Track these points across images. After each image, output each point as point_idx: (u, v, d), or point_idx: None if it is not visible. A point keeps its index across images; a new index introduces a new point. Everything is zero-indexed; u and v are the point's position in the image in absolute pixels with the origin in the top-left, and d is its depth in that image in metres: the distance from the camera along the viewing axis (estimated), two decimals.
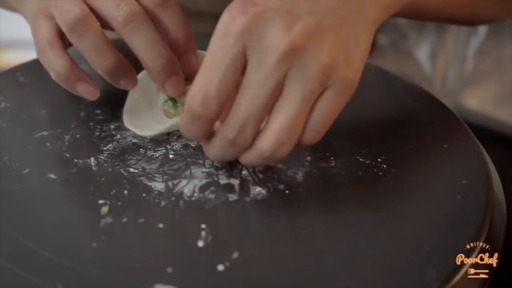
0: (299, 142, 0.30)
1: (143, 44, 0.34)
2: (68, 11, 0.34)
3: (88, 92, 0.37)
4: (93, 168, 0.35)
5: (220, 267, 0.27)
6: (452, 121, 0.41)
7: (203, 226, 0.30)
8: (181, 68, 0.37)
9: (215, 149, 0.31)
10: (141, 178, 0.34)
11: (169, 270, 0.27)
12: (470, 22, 0.53)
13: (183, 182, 0.33)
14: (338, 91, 0.30)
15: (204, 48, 0.37)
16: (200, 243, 0.29)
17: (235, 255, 0.28)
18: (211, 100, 0.29)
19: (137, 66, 0.36)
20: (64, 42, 0.36)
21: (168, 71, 0.35)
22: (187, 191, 0.33)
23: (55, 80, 0.37)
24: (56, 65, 0.36)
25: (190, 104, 0.29)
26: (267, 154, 0.30)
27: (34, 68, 0.47)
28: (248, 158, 0.31)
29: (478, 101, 0.87)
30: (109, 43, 0.35)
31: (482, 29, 0.89)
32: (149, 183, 0.33)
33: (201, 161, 0.35)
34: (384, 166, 0.35)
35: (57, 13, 0.35)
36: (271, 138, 0.29)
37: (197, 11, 0.62)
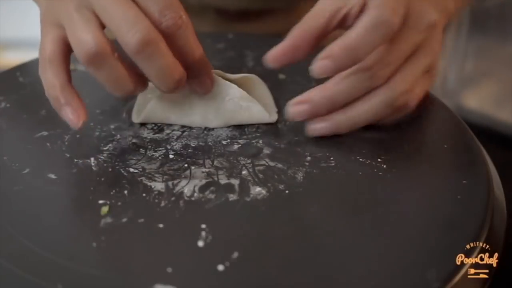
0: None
1: (155, 72, 0.33)
2: (83, 43, 0.32)
3: (70, 120, 0.35)
4: (93, 168, 0.35)
5: (220, 267, 0.27)
6: (452, 121, 0.41)
7: (203, 226, 0.30)
8: (196, 90, 0.37)
9: (347, 81, 0.35)
10: (141, 178, 0.34)
11: (169, 270, 0.27)
12: None
13: (183, 182, 0.33)
14: None
15: (205, 47, 0.37)
16: (200, 243, 0.29)
17: (235, 255, 0.28)
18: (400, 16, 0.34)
19: None
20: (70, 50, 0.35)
21: (180, 89, 0.35)
22: (187, 191, 0.33)
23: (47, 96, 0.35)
24: (49, 82, 0.35)
25: (384, 13, 0.33)
26: (396, 97, 0.35)
27: (34, 68, 0.46)
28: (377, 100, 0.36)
29: (478, 101, 0.87)
30: (127, 71, 0.33)
31: (482, 29, 0.89)
32: (149, 183, 0.33)
33: (201, 161, 0.35)
34: (384, 166, 0.35)
35: (71, 38, 0.33)
36: (406, 85, 0.36)
37: (198, 4, 0.62)
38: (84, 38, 0.32)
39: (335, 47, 0.34)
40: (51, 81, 0.35)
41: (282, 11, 0.63)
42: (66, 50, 0.35)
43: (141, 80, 0.35)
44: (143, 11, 0.32)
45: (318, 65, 0.35)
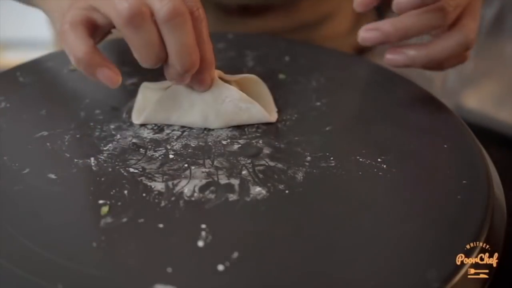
0: None
1: (178, 47, 0.34)
2: (123, 4, 0.32)
3: (110, 78, 0.35)
4: (93, 168, 0.35)
5: (220, 267, 0.27)
6: (452, 121, 0.41)
7: (203, 226, 0.30)
8: (195, 86, 0.38)
9: (420, 18, 0.39)
10: (141, 178, 0.34)
11: (169, 270, 0.27)
12: None
13: (183, 182, 0.33)
14: None
15: None
16: (200, 243, 0.29)
17: (235, 255, 0.28)
18: None
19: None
20: (94, 38, 0.36)
21: (188, 76, 0.36)
22: (187, 191, 0.33)
23: (75, 65, 0.35)
24: (76, 49, 0.35)
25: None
26: (471, 40, 0.40)
27: (34, 68, 0.47)
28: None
29: (478, 101, 0.87)
30: (162, 41, 0.34)
31: (482, 29, 0.88)
32: (149, 183, 0.33)
33: (201, 161, 0.35)
34: (384, 166, 0.35)
35: (108, 7, 0.34)
36: (475, 30, 0.41)
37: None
38: (123, 1, 0.32)
39: (387, 25, 0.39)
40: (77, 47, 0.35)
41: (283, 7, 0.63)
42: (88, 24, 0.36)
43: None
44: None
45: (368, 34, 0.40)
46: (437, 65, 0.42)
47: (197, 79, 0.37)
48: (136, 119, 0.40)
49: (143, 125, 0.39)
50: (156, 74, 0.45)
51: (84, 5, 0.36)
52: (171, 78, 0.36)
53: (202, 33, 0.35)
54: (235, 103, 0.39)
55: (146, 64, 0.35)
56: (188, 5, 0.34)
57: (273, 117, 0.40)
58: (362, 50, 0.72)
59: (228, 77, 0.40)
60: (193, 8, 0.35)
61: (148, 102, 0.40)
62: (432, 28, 0.40)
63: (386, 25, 0.39)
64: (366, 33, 0.40)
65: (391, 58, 0.41)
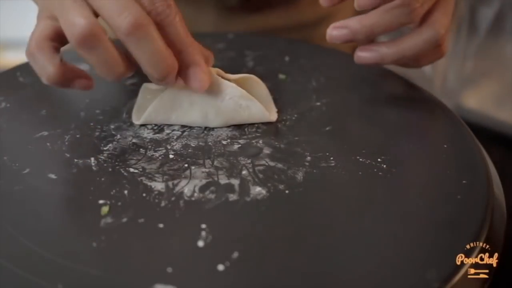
0: None
1: (147, 57, 0.33)
2: (76, 25, 0.32)
3: (84, 87, 0.36)
4: (93, 168, 0.35)
5: (220, 267, 0.27)
6: (452, 121, 0.41)
7: (203, 226, 0.30)
8: (191, 84, 0.37)
9: (386, 15, 0.38)
10: (141, 178, 0.34)
11: (169, 270, 0.27)
12: None
13: (183, 182, 0.33)
14: None
15: (205, 47, 0.37)
16: (200, 243, 0.29)
17: (235, 255, 0.28)
18: None
19: None
20: (63, 41, 0.36)
21: (172, 79, 0.35)
22: (187, 191, 0.33)
23: (47, 83, 0.36)
24: (46, 71, 0.35)
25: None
26: (440, 36, 0.40)
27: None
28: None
29: (478, 101, 0.87)
30: (119, 55, 0.34)
31: (482, 29, 0.89)
32: (149, 183, 0.33)
33: (201, 161, 0.35)
34: (384, 166, 0.35)
35: (64, 24, 0.33)
36: (445, 26, 0.40)
37: None
38: (77, 20, 0.32)
39: (353, 22, 0.39)
40: (46, 68, 0.35)
41: (283, 4, 0.64)
42: (56, 38, 0.35)
43: (131, 63, 0.35)
44: None
45: (336, 31, 0.39)
46: (413, 61, 0.42)
47: (190, 76, 0.36)
48: (136, 119, 0.40)
49: (143, 125, 0.39)
50: None
51: (51, 15, 0.35)
52: (157, 84, 0.36)
53: (177, 32, 0.34)
54: (235, 100, 0.39)
55: (110, 80, 0.35)
56: (156, 6, 0.33)
57: (273, 116, 0.40)
58: None
59: (228, 76, 0.40)
60: (163, 7, 0.33)
61: (148, 103, 0.40)
62: (400, 25, 0.39)
63: (352, 22, 0.39)
64: (334, 31, 0.40)
65: (361, 55, 0.41)
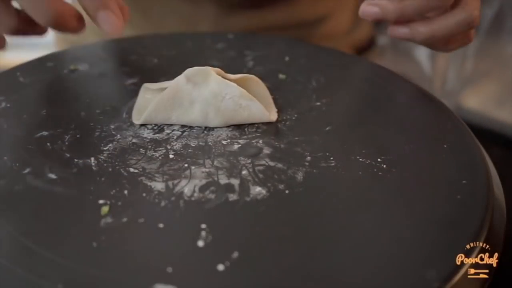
0: None
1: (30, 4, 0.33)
2: None
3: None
4: (93, 168, 0.35)
5: (220, 267, 0.27)
6: (452, 121, 0.41)
7: (203, 226, 0.30)
8: (100, 27, 0.36)
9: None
10: (141, 178, 0.34)
11: (169, 270, 0.27)
12: None
13: (183, 182, 0.33)
14: None
15: (205, 47, 0.37)
16: (200, 243, 0.29)
17: (235, 255, 0.28)
18: None
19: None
20: None
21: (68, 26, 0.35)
22: (187, 191, 0.33)
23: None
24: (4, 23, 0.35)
25: None
26: (474, 18, 0.40)
27: (34, 68, 0.47)
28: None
29: (478, 101, 0.87)
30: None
31: (482, 29, 0.89)
32: (149, 183, 0.33)
33: (201, 161, 0.35)
34: (384, 166, 0.35)
35: None
36: (477, 8, 0.40)
37: None
38: None
39: (386, 2, 0.40)
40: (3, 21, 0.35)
41: (283, 1, 0.64)
42: None
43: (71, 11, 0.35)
44: None
45: (368, 8, 0.41)
46: (442, 44, 0.43)
47: (100, 20, 0.36)
48: (136, 119, 0.40)
49: (143, 125, 0.39)
50: (157, 75, 0.46)
51: None
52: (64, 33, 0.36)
53: None
54: (235, 100, 0.39)
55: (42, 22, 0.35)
56: None
57: (273, 116, 0.40)
58: (362, 50, 0.72)
59: (228, 76, 0.40)
60: None
61: (148, 102, 0.40)
62: (431, 9, 0.40)
63: (385, 2, 0.41)
64: (367, 7, 0.41)
65: (394, 28, 0.42)
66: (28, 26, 0.36)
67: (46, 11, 0.33)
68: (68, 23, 0.36)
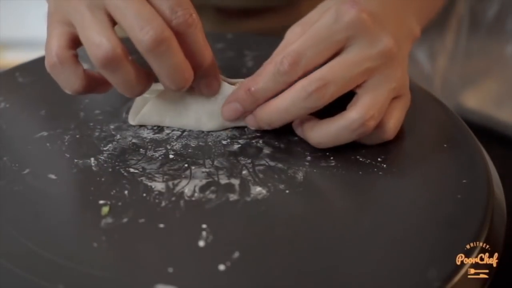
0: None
1: (166, 71, 0.33)
2: (99, 47, 0.31)
3: (105, 90, 0.36)
4: (93, 168, 0.35)
5: (221, 267, 0.27)
6: (452, 121, 0.41)
7: (204, 226, 0.30)
8: (202, 91, 0.37)
9: (284, 102, 0.35)
10: (141, 178, 0.34)
11: (170, 270, 0.27)
12: None
13: (184, 182, 0.33)
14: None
15: None
16: (201, 243, 0.29)
17: (236, 255, 0.28)
18: (301, 65, 0.34)
19: None
20: (79, 45, 0.35)
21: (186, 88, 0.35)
22: (187, 191, 0.33)
23: (70, 93, 0.35)
24: (71, 86, 0.34)
25: (281, 61, 0.34)
26: (355, 125, 0.34)
27: (33, 68, 0.47)
28: (333, 127, 0.35)
29: (478, 101, 0.87)
30: (137, 73, 0.33)
31: (482, 29, 0.89)
32: (149, 183, 0.33)
33: (201, 161, 0.35)
34: (384, 165, 0.35)
35: (86, 42, 0.32)
36: (363, 110, 0.34)
37: (197, 2, 0.62)
38: (99, 41, 0.31)
39: (239, 92, 0.36)
40: (72, 83, 0.34)
41: (282, 9, 0.63)
42: (74, 46, 0.35)
43: (150, 80, 0.35)
44: (155, 8, 0.32)
45: (226, 109, 0.37)
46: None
47: (203, 84, 0.37)
48: (132, 120, 0.39)
49: (142, 125, 0.39)
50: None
51: (65, 19, 0.34)
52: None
53: (197, 41, 0.34)
54: None
55: (129, 96, 0.35)
56: (178, 15, 0.33)
57: None
58: None
59: (227, 80, 0.40)
60: (185, 17, 0.33)
61: (145, 103, 0.40)
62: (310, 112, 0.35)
63: (258, 112, 0.36)
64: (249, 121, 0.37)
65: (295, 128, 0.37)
66: (93, 86, 0.35)
67: (136, 87, 0.34)
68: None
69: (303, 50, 0.34)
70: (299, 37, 0.35)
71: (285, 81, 0.35)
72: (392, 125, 0.36)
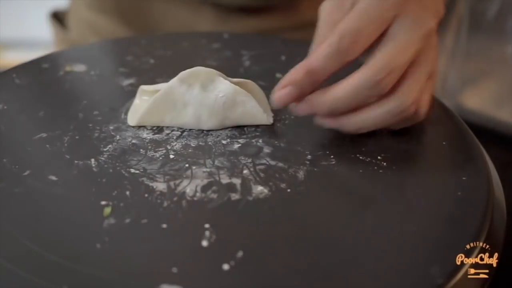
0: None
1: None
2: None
3: None
4: (94, 169, 0.34)
5: (225, 267, 0.27)
6: (452, 121, 0.41)
7: (207, 225, 0.30)
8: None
9: (346, 88, 0.34)
10: (142, 178, 0.34)
11: (175, 270, 0.27)
12: None
13: (185, 182, 0.33)
14: None
15: (201, 47, 0.37)
16: (205, 243, 0.29)
17: (240, 254, 0.28)
18: (360, 44, 0.34)
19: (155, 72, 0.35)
20: None
21: None
22: (189, 191, 0.33)
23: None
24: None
25: (339, 40, 0.34)
26: (399, 109, 0.35)
27: (30, 69, 0.47)
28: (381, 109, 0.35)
29: (478, 101, 0.87)
30: None
31: (482, 29, 0.89)
32: (150, 184, 0.33)
33: (201, 161, 0.35)
34: (384, 164, 0.35)
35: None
36: (406, 95, 0.35)
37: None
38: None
39: (296, 73, 0.36)
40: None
41: (282, 7, 0.63)
42: None
43: None
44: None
45: (281, 94, 0.36)
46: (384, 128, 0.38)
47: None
48: (132, 121, 0.39)
49: (142, 126, 0.39)
50: (154, 76, 0.46)
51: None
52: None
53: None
54: (229, 97, 0.38)
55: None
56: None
57: (269, 119, 0.40)
58: None
59: (226, 78, 0.40)
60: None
61: (143, 104, 0.40)
62: (364, 101, 0.35)
63: (317, 100, 0.36)
64: (299, 106, 0.36)
65: (319, 120, 0.37)
66: None
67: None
68: None
69: (361, 27, 0.34)
70: (345, 15, 0.35)
71: (345, 60, 0.34)
72: (425, 107, 0.37)
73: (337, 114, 0.36)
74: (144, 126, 0.39)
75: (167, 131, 0.39)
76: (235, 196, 0.32)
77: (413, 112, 0.36)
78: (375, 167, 0.35)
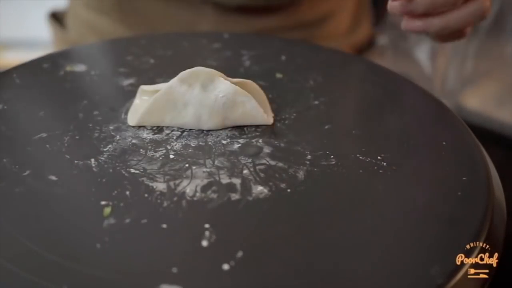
0: None
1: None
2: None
3: None
4: (94, 169, 0.34)
5: (225, 267, 0.27)
6: (452, 121, 0.41)
7: (207, 225, 0.30)
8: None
9: (459, 14, 0.42)
10: (142, 178, 0.34)
11: (174, 270, 0.27)
12: None
13: (185, 182, 0.33)
14: None
15: (201, 47, 0.37)
16: (204, 243, 0.29)
17: (240, 254, 0.28)
18: None
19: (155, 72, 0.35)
20: None
21: None
22: (189, 191, 0.33)
23: None
24: None
25: None
26: (481, 11, 0.42)
27: (30, 69, 0.46)
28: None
29: (478, 101, 0.87)
30: None
31: (482, 29, 0.89)
32: (150, 184, 0.33)
33: (201, 161, 0.35)
34: (384, 164, 0.35)
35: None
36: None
37: None
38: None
39: None
40: None
41: (282, 7, 0.64)
42: None
43: None
44: None
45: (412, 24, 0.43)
46: (458, 32, 0.44)
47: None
48: (132, 120, 0.39)
49: (142, 126, 0.39)
50: (154, 76, 0.46)
51: None
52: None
53: None
54: (229, 97, 0.38)
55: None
56: None
57: (269, 119, 0.40)
58: (362, 50, 0.72)
59: (227, 79, 0.40)
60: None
61: (143, 104, 0.40)
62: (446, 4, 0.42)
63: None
64: (410, 23, 0.43)
65: (408, 22, 0.43)
66: None
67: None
68: None
69: None
70: None
71: None
72: (490, 11, 0.43)
73: (428, 15, 0.42)
74: (144, 126, 0.39)
75: (167, 131, 0.39)
76: (235, 196, 0.32)
77: (486, 15, 0.42)
78: (375, 167, 0.35)
